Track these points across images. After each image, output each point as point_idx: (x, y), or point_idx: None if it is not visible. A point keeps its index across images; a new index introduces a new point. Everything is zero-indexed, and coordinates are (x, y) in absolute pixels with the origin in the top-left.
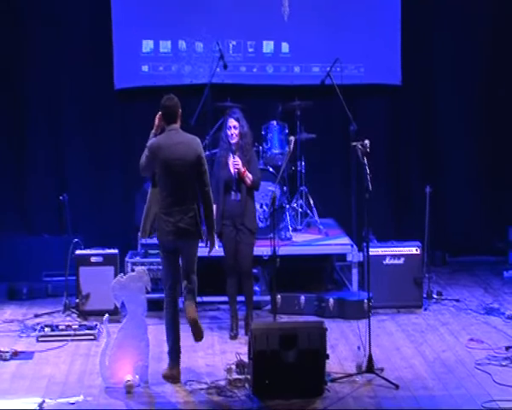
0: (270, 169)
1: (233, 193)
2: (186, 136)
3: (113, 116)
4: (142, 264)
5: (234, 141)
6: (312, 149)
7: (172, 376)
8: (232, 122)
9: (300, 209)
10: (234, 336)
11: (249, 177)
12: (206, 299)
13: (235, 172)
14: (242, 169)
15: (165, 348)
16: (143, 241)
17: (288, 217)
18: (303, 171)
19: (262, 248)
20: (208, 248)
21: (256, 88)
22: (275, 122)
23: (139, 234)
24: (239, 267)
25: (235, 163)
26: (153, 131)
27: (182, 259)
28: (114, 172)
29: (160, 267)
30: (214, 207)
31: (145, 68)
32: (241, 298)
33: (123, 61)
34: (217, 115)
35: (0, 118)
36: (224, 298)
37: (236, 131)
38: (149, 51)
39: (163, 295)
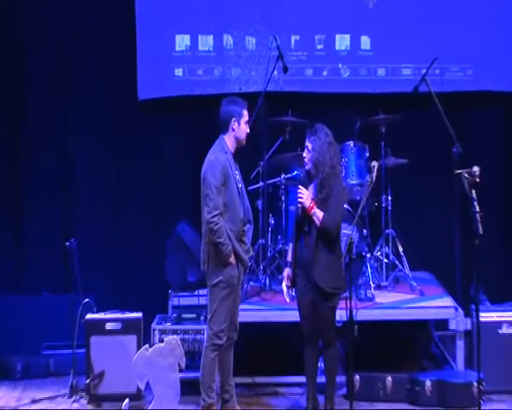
0: (346, 205)
1: (304, 235)
2: (212, 149)
3: (136, 136)
4: (174, 332)
5: (307, 167)
6: (402, 179)
7: None
8: (306, 143)
9: (386, 259)
10: None
11: (317, 216)
12: (259, 380)
13: (299, 207)
14: (307, 204)
15: None
16: (176, 301)
17: (370, 270)
18: (389, 208)
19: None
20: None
21: (326, 97)
22: (351, 143)
23: None
24: (318, 335)
25: (298, 195)
26: None
27: None
28: (138, 211)
29: (198, 337)
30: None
31: (179, 72)
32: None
33: (149, 63)
34: (274, 134)
35: None
36: (282, 379)
37: (309, 156)
38: (185, 50)
39: (199, 373)
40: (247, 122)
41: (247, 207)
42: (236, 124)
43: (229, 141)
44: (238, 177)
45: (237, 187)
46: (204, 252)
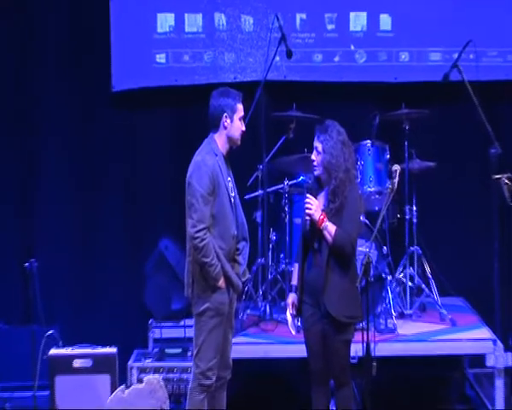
0: (362, 218)
1: (312, 253)
2: (199, 150)
3: (110, 135)
4: (156, 371)
5: (316, 172)
6: (430, 186)
7: None
8: (315, 143)
9: (410, 283)
10: None
11: (329, 230)
12: None
13: (307, 220)
14: (317, 216)
15: None
16: (157, 333)
17: (391, 295)
18: (414, 221)
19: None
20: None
21: (338, 88)
22: (369, 142)
23: None
24: (329, 373)
25: (306, 205)
26: None
27: None
28: (112, 225)
29: (184, 377)
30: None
31: (161, 58)
32: None
33: (126, 47)
34: (276, 132)
35: None
36: None
37: (318, 158)
38: (168, 31)
39: None
40: (242, 118)
41: (242, 220)
42: (229, 120)
43: (220, 141)
44: (231, 184)
45: (229, 196)
46: (188, 273)
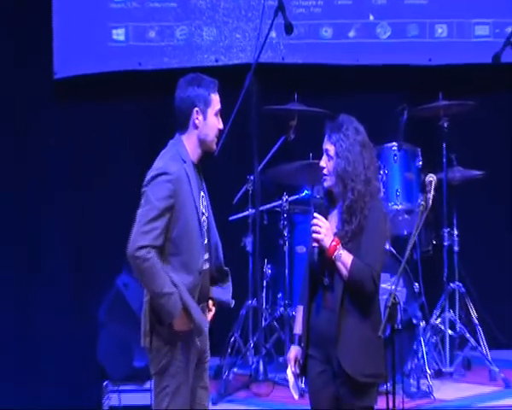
0: (387, 246)
1: (322, 292)
2: (162, 154)
3: (52, 136)
4: None
5: (326, 184)
6: (475, 203)
7: None
8: (325, 145)
9: (450, 331)
10: None
11: (344, 261)
12: None
13: (314, 248)
14: (327, 242)
15: None
16: (115, 399)
17: (425, 348)
18: (455, 248)
19: None
20: None
21: (354, 72)
22: (395, 145)
23: None
24: None
25: (313, 227)
26: None
27: None
28: (55, 256)
29: None
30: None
31: (119, 35)
32: None
33: (72, 22)
34: (272, 131)
35: None
36: None
37: (330, 165)
38: (127, 0)
39: None
40: (219, 113)
41: (216, 249)
42: (201, 117)
43: (189, 144)
44: (204, 200)
45: (199, 217)
46: (145, 317)
